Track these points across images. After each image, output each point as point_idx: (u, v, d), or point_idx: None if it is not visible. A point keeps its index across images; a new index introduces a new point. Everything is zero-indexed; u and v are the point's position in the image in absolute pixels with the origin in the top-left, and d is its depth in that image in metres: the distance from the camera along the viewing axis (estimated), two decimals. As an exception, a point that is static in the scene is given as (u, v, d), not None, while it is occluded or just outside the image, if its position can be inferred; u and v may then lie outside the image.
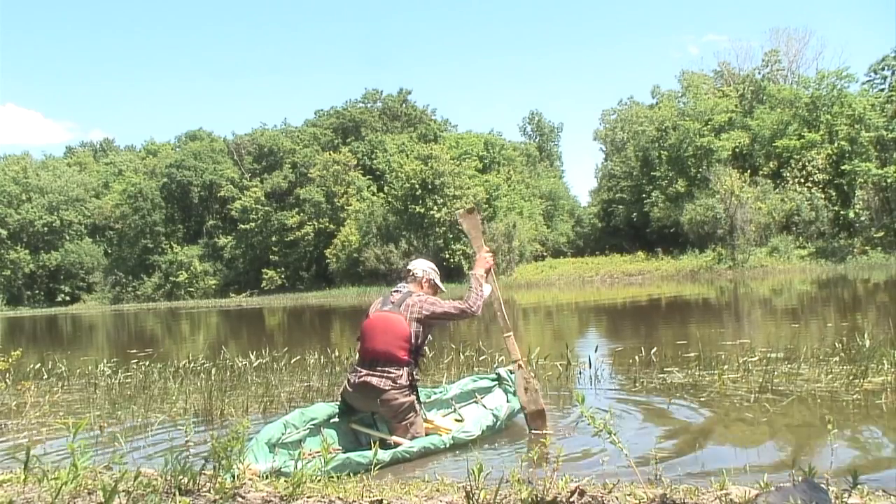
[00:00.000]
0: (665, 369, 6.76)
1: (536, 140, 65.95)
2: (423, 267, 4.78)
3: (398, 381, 4.32)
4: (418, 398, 4.48)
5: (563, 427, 4.86)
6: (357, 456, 3.91)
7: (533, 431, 4.65)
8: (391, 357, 4.36)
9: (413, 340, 4.41)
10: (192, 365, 8.15)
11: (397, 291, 4.62)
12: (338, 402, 4.63)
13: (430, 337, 4.72)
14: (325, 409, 4.55)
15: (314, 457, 3.85)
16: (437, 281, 4.78)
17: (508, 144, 57.13)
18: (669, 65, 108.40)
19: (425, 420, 4.65)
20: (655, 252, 43.12)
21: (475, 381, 5.58)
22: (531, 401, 4.64)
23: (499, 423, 4.78)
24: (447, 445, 4.34)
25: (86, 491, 2.47)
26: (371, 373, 4.36)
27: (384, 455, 3.99)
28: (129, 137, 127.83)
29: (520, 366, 4.72)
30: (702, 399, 5.49)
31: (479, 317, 4.75)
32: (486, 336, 11.05)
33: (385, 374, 4.33)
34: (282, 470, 3.69)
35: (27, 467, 2.52)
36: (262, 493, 2.52)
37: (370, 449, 3.32)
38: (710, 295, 22.75)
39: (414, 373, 4.45)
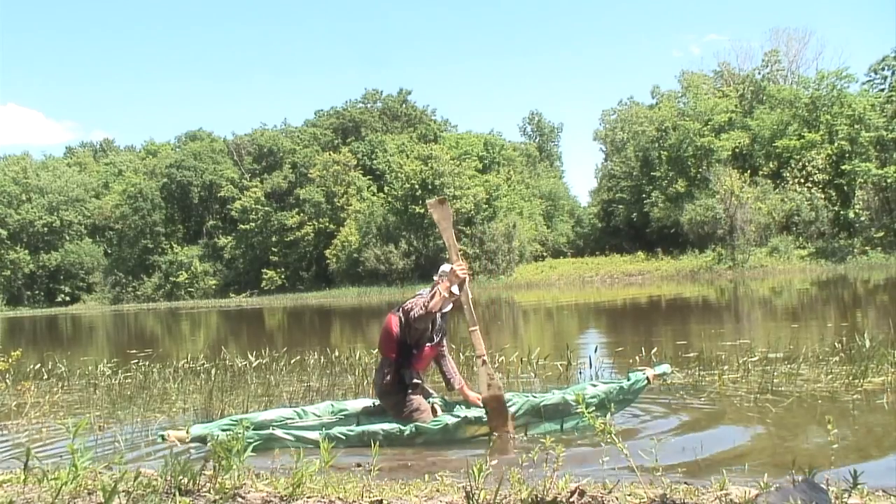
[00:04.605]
0: (665, 369, 6.75)
1: (536, 140, 65.87)
2: (440, 270, 4.72)
3: (383, 383, 4.66)
4: (407, 394, 4.62)
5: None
6: (333, 431, 4.25)
7: (492, 428, 4.55)
8: (383, 354, 4.79)
9: (399, 338, 4.64)
10: (191, 365, 8.15)
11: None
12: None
13: (435, 337, 4.74)
14: (360, 403, 4.97)
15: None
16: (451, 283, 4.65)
17: (508, 144, 57.03)
18: (670, 65, 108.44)
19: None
20: (655, 252, 43.08)
21: (595, 385, 4.88)
22: (493, 397, 4.53)
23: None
24: (443, 427, 4.47)
25: (86, 491, 2.48)
26: (376, 374, 4.88)
27: (359, 427, 4.49)
28: (129, 137, 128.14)
29: (483, 362, 4.62)
30: (702, 399, 5.49)
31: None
32: (486, 337, 11.02)
33: (378, 377, 4.76)
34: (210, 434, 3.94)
35: (27, 467, 2.52)
36: (262, 493, 2.52)
37: None
38: (710, 295, 22.74)
39: (402, 371, 4.61)
